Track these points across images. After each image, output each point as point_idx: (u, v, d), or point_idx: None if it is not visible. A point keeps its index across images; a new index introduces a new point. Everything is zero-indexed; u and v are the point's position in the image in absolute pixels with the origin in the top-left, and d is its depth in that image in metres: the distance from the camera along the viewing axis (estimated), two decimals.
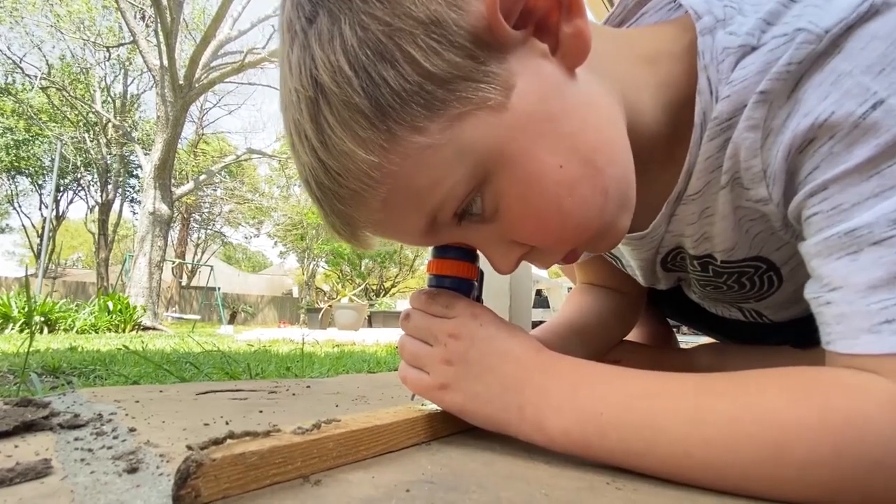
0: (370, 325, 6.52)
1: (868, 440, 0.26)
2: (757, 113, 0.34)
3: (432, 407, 0.40)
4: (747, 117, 0.35)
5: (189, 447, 0.25)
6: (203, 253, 20.67)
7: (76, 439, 0.36)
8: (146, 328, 5.55)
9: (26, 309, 4.37)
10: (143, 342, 2.30)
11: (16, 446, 0.34)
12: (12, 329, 3.70)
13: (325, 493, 0.27)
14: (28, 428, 0.38)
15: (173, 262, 13.43)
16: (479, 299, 0.44)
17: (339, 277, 20.33)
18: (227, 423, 0.44)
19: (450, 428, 0.41)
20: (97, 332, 4.59)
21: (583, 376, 0.35)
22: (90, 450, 0.34)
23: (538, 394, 0.34)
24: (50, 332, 4.17)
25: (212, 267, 13.31)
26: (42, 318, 4.24)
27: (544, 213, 0.33)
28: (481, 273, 0.43)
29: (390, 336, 3.59)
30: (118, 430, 0.39)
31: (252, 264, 29.05)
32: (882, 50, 0.30)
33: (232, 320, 12.96)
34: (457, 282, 0.40)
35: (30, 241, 19.26)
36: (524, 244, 0.36)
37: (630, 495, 0.28)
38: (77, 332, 4.41)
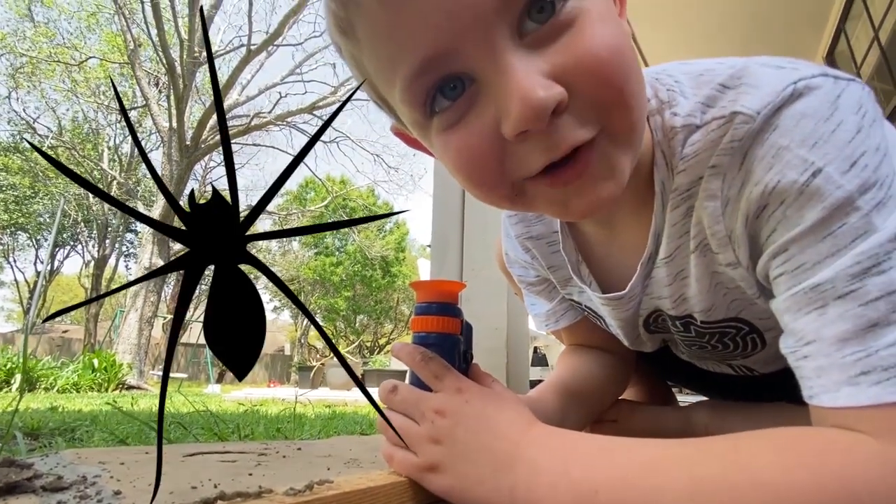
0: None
1: (862, 499, 0.26)
2: (713, 184, 0.38)
3: None
4: (704, 188, 0.39)
5: None
6: (196, 309, 20.39)
7: (59, 503, 0.35)
8: (130, 387, 5.35)
9: (7, 366, 4.23)
10: (131, 401, 2.22)
11: None
12: None
13: None
14: (11, 490, 0.37)
15: (164, 318, 13.20)
16: (466, 353, 0.44)
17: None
18: (215, 486, 0.43)
19: None
20: (78, 392, 4.42)
21: (576, 451, 0.34)
22: None
23: (530, 472, 0.33)
24: (30, 390, 4.01)
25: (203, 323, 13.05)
26: (24, 377, 4.11)
27: (612, 45, 0.31)
28: (468, 326, 0.44)
29: None
30: (103, 493, 0.38)
31: None
32: (812, 126, 0.33)
33: (220, 379, 12.54)
34: (441, 337, 0.41)
35: (20, 296, 19.00)
36: (563, 94, 0.31)
37: None
38: (58, 391, 4.25)
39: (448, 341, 0.41)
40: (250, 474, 0.49)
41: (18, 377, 3.95)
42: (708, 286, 0.45)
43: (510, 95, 0.30)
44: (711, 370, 0.66)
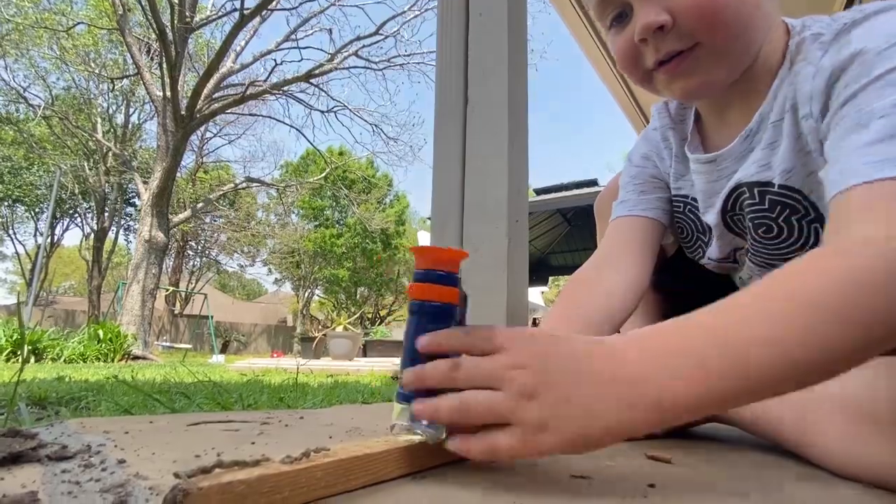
0: (365, 354, 6.43)
1: (890, 281, 0.31)
2: (814, 54, 0.49)
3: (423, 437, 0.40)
4: (808, 57, 0.50)
5: (176, 475, 0.25)
6: (197, 281, 20.49)
7: (64, 471, 0.36)
8: (136, 357, 5.45)
9: (14, 337, 4.29)
10: (132, 372, 2.26)
11: (2, 478, 0.34)
12: None
13: None
14: (15, 459, 0.37)
15: (167, 290, 13.26)
16: (462, 324, 0.43)
17: (333, 306, 20.16)
18: (218, 455, 0.43)
19: (444, 458, 0.40)
20: (85, 362, 4.50)
21: (681, 332, 0.33)
22: (78, 482, 0.33)
23: (659, 377, 0.30)
24: (37, 361, 4.09)
25: (205, 295, 13.15)
26: (30, 348, 4.17)
27: None
28: (465, 296, 0.43)
29: (385, 365, 3.54)
30: (107, 461, 0.39)
31: (247, 292, 28.79)
32: None
33: (224, 350, 12.73)
34: (440, 307, 0.39)
35: (22, 269, 19.09)
36: (668, 20, 0.49)
37: None
38: (64, 361, 4.32)
39: (447, 311, 0.40)
40: (253, 443, 0.50)
41: (25, 348, 4.01)
42: (794, 147, 0.53)
43: (638, 19, 0.51)
44: None
